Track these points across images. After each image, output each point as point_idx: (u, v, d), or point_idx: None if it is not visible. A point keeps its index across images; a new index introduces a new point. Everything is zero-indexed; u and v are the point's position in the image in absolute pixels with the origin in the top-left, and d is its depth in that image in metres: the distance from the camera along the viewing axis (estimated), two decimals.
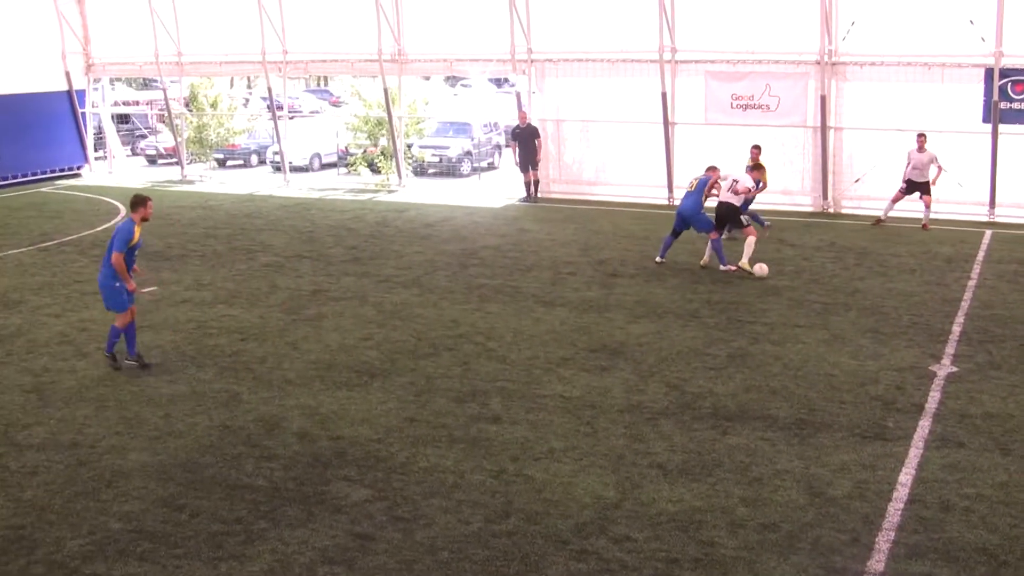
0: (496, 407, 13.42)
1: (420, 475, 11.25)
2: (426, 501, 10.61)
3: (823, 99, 29.46)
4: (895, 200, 27.15)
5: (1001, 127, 28.29)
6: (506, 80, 45.71)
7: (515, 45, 32.14)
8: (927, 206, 26.76)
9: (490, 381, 14.47)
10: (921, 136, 26.64)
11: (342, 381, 14.61)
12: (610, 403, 13.58)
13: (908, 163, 26.96)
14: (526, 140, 31.85)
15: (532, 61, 32.37)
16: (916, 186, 26.66)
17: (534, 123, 32.29)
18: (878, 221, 27.23)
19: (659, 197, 31.40)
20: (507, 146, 44.12)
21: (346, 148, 40.46)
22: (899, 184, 27.10)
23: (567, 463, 11.57)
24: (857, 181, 29.80)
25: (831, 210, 29.78)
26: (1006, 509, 10.56)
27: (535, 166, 31.99)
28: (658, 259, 22.38)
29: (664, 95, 30.80)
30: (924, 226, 26.61)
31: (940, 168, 26.59)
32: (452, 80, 57.09)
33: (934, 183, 26.85)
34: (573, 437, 12.36)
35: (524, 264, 22.29)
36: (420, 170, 39.46)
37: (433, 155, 41.01)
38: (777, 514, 10.38)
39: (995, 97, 28.21)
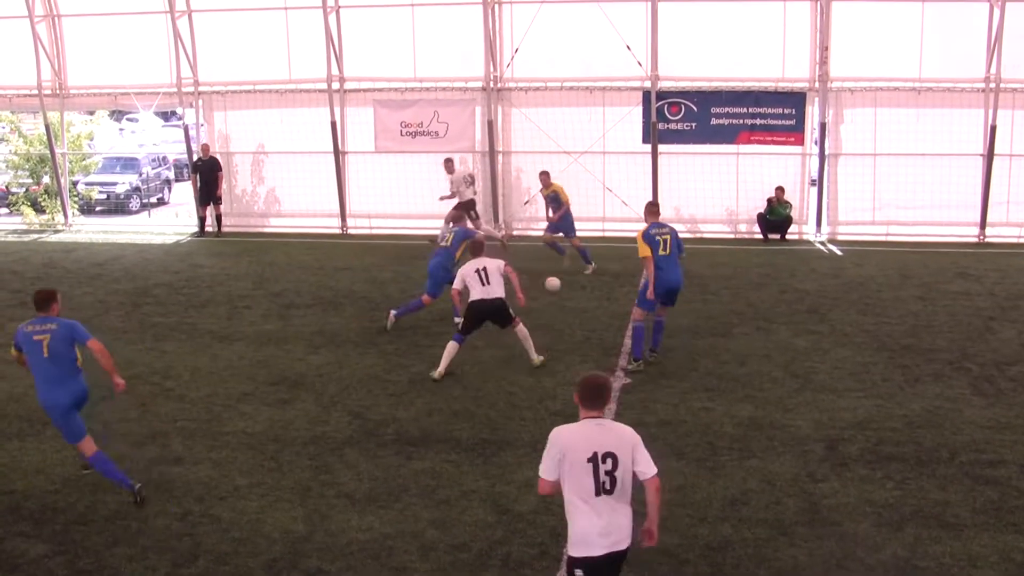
0: (177, 448, 13.11)
1: (102, 524, 10.87)
2: (109, 551, 10.26)
3: (490, 124, 30.13)
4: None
5: (660, 147, 29.66)
6: (173, 113, 44.73)
7: (181, 76, 31.53)
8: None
9: (170, 422, 14.13)
10: (448, 160, 27.91)
11: (13, 432, 13.95)
12: (293, 436, 13.49)
13: (453, 193, 27.89)
14: (207, 173, 31.14)
15: (199, 93, 31.81)
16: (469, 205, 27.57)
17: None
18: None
19: (333, 227, 31.43)
20: (177, 180, 43.49)
21: (7, 187, 38.57)
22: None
23: (253, 500, 11.42)
24: (527, 203, 30.61)
25: (503, 232, 30.44)
26: (684, 511, 11.07)
27: (217, 200, 31.33)
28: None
29: (334, 124, 30.82)
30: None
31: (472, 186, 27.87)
32: (117, 114, 55.39)
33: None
34: (258, 473, 12.21)
35: (199, 300, 21.86)
36: (87, 208, 38.12)
37: (100, 192, 39.70)
38: (467, 534, 10.54)
39: (653, 118, 29.53)
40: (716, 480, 11.98)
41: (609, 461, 7.63)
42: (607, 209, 30.10)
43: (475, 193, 28.40)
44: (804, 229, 30.32)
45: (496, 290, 16.45)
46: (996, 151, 29.10)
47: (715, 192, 29.89)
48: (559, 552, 10.06)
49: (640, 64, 29.38)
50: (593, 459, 7.62)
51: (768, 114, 29.88)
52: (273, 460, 12.64)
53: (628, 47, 29.12)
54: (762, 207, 29.83)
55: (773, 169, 29.76)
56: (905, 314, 20.24)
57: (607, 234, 29.50)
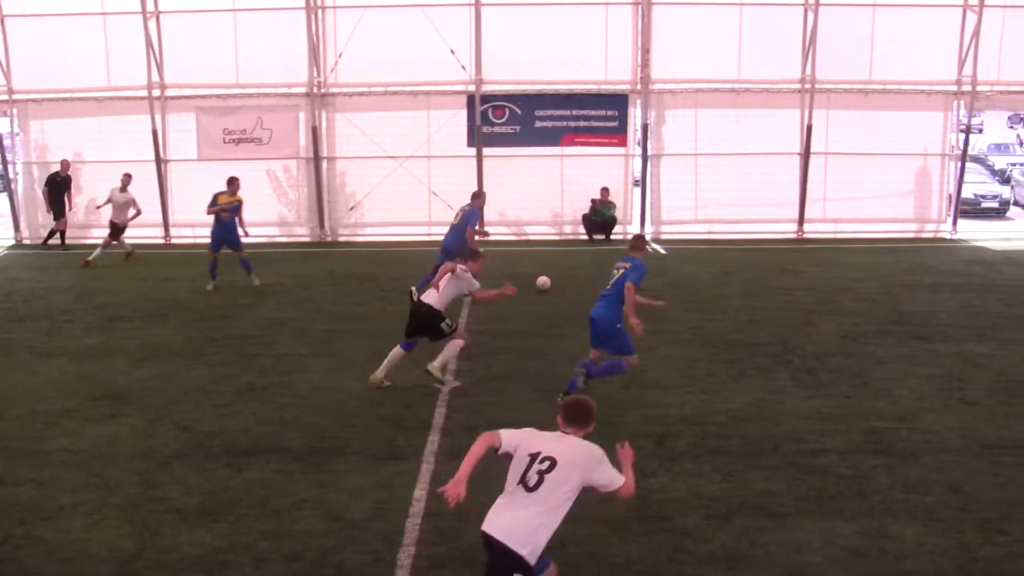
0: None
1: None
2: None
3: (314, 130, 29.94)
4: (106, 244, 27.44)
5: (485, 150, 29.86)
6: None
7: None
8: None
9: None
10: (126, 175, 27.51)
11: None
12: (120, 451, 13.16)
13: (108, 201, 27.73)
14: (63, 188, 30.09)
15: (14, 101, 30.91)
16: (118, 229, 27.52)
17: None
18: (86, 263, 27.03)
19: (156, 237, 30.88)
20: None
21: None
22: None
23: (79, 519, 11.11)
24: (352, 208, 30.47)
25: (329, 239, 30.27)
26: None
27: (62, 214, 30.28)
28: None
29: (155, 132, 30.28)
30: (128, 255, 27.75)
31: (139, 211, 27.65)
32: None
33: (129, 224, 27.83)
34: (83, 491, 11.88)
35: (16, 315, 21.20)
36: None
37: None
38: (300, 544, 10.43)
39: (477, 122, 29.69)
40: None
41: (547, 463, 7.90)
42: (433, 214, 30.13)
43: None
44: (628, 229, 30.81)
45: (434, 297, 15.29)
46: (812, 150, 30.04)
47: (540, 194, 30.21)
48: (393, 558, 10.05)
49: (464, 68, 29.55)
50: (534, 456, 7.95)
51: (591, 116, 30.36)
52: (99, 477, 12.32)
53: (452, 51, 29.25)
54: (587, 208, 30.22)
55: (597, 170, 30.24)
56: (729, 310, 20.72)
57: (433, 238, 29.52)
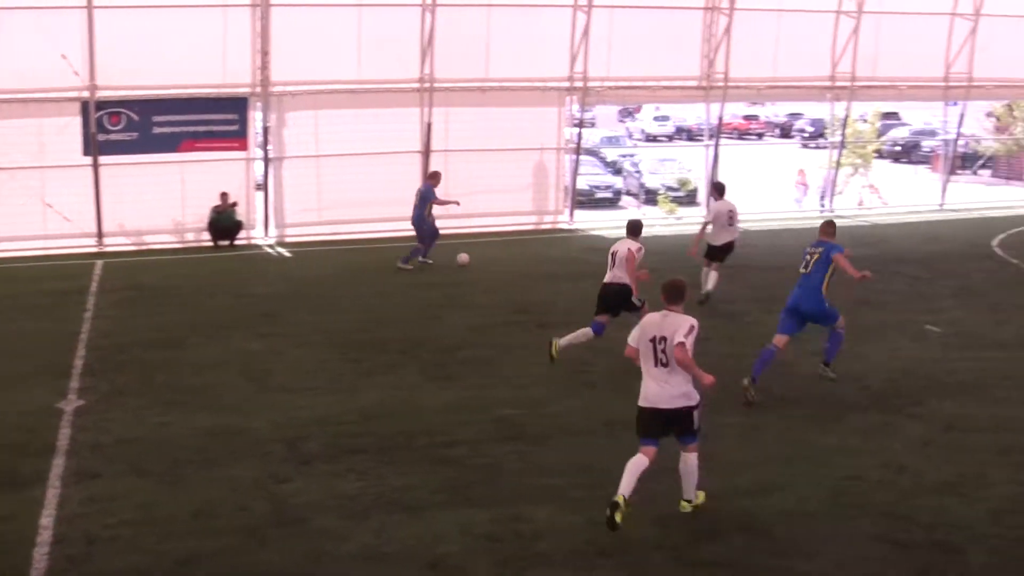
0: None
1: None
2: None
3: None
4: None
5: (101, 158, 28.85)
6: None
7: None
8: None
9: None
10: None
11: None
12: None
13: None
14: None
15: None
16: None
17: None
18: None
19: None
20: None
21: None
22: None
23: None
24: None
25: None
26: (150, 528, 10.92)
27: None
28: None
29: None
30: None
31: None
32: None
33: None
34: None
35: None
36: None
37: None
38: None
39: (93, 129, 28.68)
40: (179, 494, 11.85)
41: (663, 343, 10.71)
42: (49, 227, 28.85)
43: None
44: (253, 233, 30.46)
45: (618, 275, 16.68)
46: (432, 147, 30.63)
47: (161, 202, 29.42)
48: None
49: (77, 74, 28.42)
50: (653, 340, 10.79)
51: (211, 120, 29.85)
52: None
53: (64, 56, 28.09)
54: (209, 215, 29.70)
55: (219, 175, 29.69)
56: (356, 310, 20.89)
57: (50, 252, 28.35)
